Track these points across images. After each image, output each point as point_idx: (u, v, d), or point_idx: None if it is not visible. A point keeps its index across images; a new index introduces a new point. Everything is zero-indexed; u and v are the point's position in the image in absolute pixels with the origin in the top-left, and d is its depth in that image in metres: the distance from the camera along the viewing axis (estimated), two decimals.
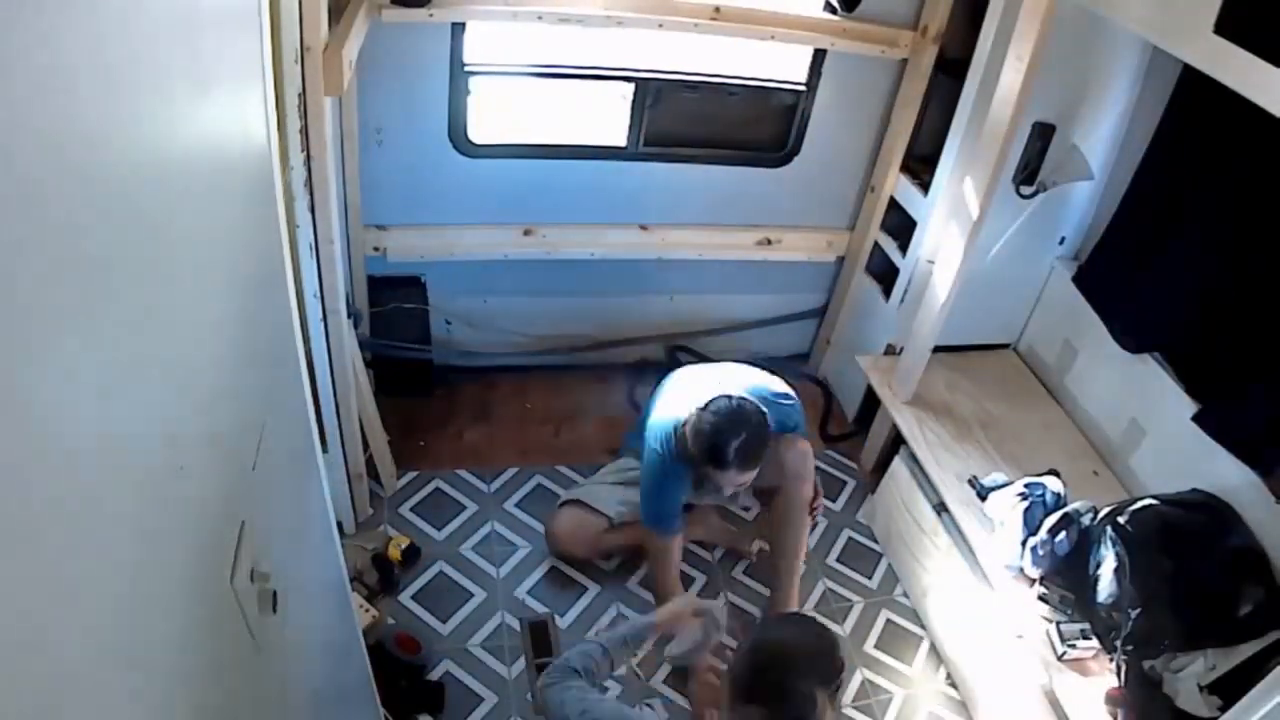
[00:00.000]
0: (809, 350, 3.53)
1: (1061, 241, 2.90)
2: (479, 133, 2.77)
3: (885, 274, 3.11)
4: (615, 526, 2.55)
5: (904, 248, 2.97)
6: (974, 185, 2.40)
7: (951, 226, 2.53)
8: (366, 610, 2.36)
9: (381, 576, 2.46)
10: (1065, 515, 2.26)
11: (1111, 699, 2.04)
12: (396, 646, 2.28)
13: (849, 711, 2.38)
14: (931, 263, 2.72)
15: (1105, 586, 2.11)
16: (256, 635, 1.01)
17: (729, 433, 2.17)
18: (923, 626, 2.63)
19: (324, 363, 2.17)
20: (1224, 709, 1.71)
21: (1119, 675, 2.04)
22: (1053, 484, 2.37)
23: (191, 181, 0.86)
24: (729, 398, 2.24)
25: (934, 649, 2.57)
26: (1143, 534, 2.10)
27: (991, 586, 2.32)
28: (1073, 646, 2.12)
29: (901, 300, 2.98)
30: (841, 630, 2.59)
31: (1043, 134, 2.60)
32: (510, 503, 2.80)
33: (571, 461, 2.96)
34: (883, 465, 2.91)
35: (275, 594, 1.00)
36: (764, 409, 2.26)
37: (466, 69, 2.62)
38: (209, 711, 0.89)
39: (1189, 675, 1.98)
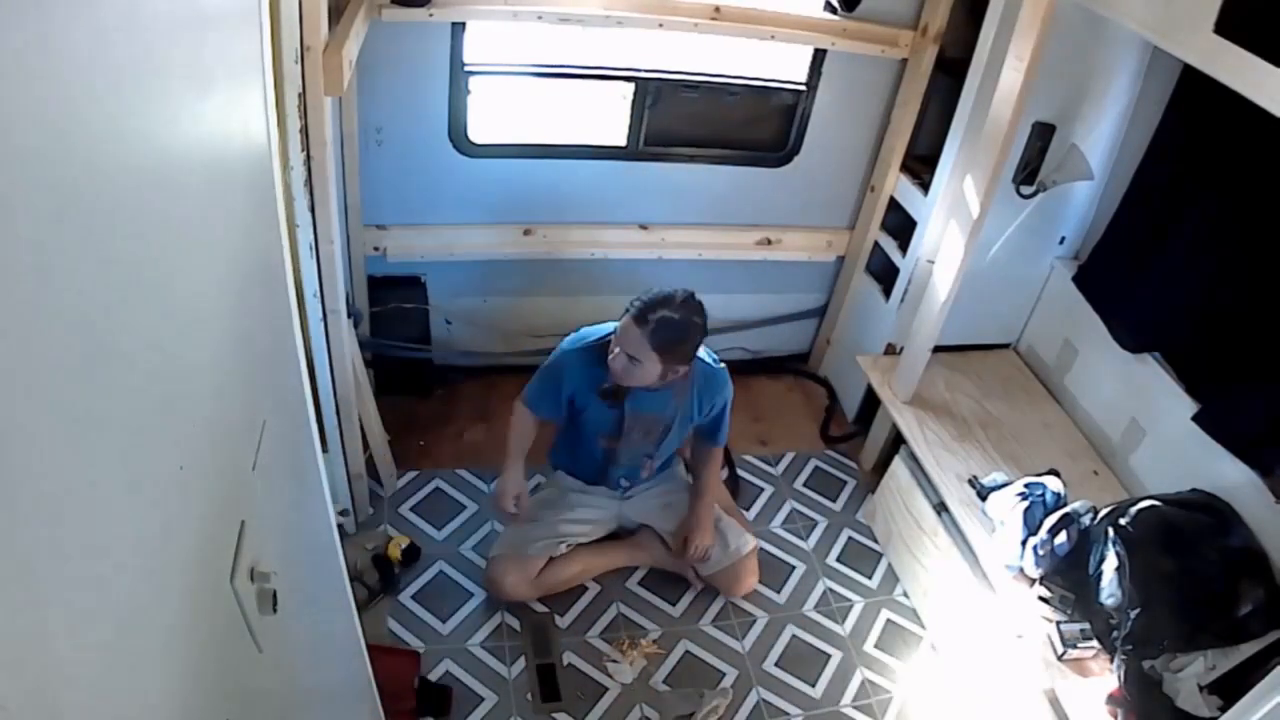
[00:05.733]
0: (809, 350, 3.53)
1: (1061, 241, 2.90)
2: (479, 133, 2.76)
3: (885, 274, 3.11)
4: (554, 559, 2.47)
5: (904, 247, 2.97)
6: (974, 185, 2.40)
7: (951, 226, 2.53)
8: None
9: (381, 576, 2.46)
10: (1065, 515, 2.26)
11: (1113, 699, 2.04)
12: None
13: (849, 711, 2.39)
14: (931, 263, 2.72)
15: (1106, 586, 2.11)
16: (256, 635, 1.01)
17: (663, 302, 2.18)
18: (923, 626, 2.63)
19: (324, 363, 2.17)
20: (1224, 709, 1.71)
21: (1119, 675, 2.04)
22: (1053, 484, 2.38)
23: (191, 181, 0.86)
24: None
25: (934, 649, 2.57)
26: (1143, 534, 2.10)
27: (991, 586, 2.32)
28: (1073, 646, 2.12)
29: (901, 300, 2.98)
30: (842, 630, 2.59)
31: (1043, 134, 2.60)
32: None
33: None
34: (883, 465, 2.91)
35: (275, 594, 1.00)
36: (704, 319, 2.25)
37: (466, 69, 2.62)
38: (209, 711, 0.88)
39: (1189, 675, 1.98)
